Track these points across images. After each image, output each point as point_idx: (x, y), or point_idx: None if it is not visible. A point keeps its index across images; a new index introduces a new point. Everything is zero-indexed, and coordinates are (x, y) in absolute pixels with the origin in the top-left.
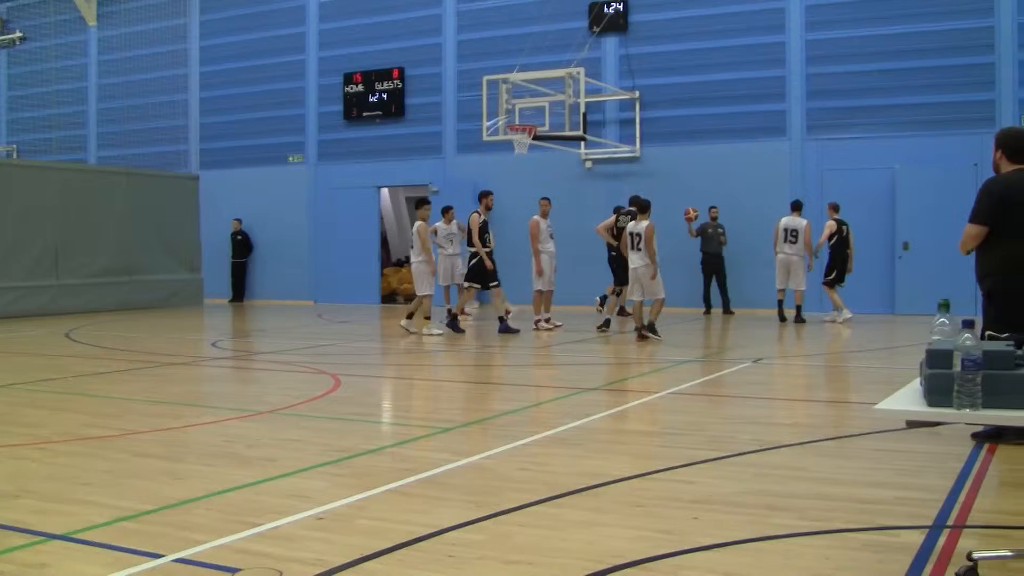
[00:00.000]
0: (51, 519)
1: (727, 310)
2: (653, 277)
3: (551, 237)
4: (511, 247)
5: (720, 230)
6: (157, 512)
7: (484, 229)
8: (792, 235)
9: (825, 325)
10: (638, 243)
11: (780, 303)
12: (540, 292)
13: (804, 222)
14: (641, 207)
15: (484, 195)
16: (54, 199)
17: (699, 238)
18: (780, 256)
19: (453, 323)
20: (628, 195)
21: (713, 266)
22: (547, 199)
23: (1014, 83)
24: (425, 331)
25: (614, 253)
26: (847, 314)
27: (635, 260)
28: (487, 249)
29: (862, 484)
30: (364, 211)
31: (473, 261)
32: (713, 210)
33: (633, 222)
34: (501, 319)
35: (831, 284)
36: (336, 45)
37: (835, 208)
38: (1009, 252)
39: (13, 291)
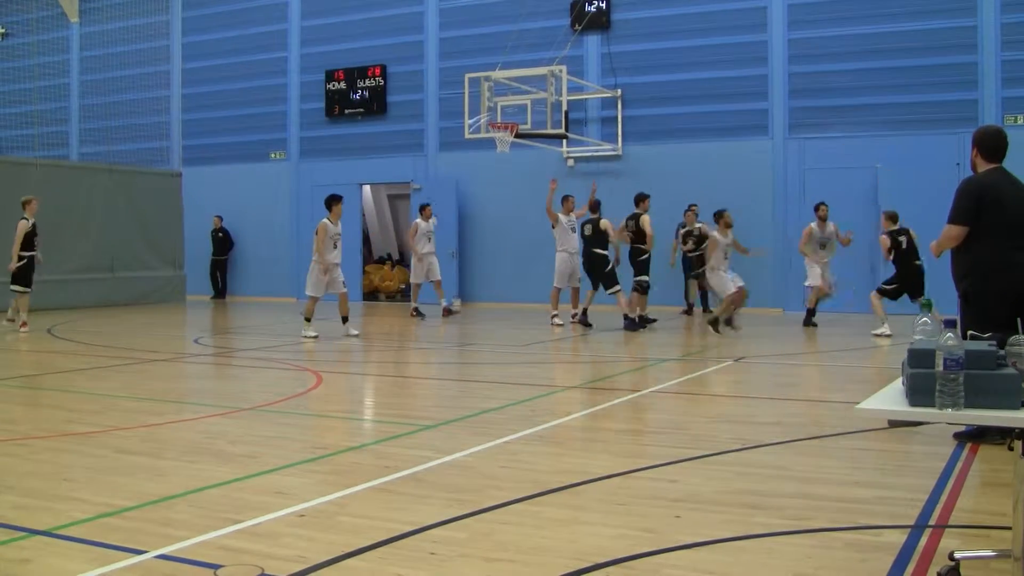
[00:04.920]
0: (33, 515)
1: (706, 309)
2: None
3: (572, 232)
4: (492, 245)
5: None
6: (139, 508)
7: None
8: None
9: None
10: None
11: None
12: (558, 289)
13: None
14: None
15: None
16: (36, 195)
17: (680, 238)
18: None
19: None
20: (610, 193)
21: (694, 266)
22: (571, 196)
23: (997, 83)
24: (303, 333)
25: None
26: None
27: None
28: None
29: (844, 483)
30: (346, 209)
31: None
32: (694, 207)
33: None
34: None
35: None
36: (318, 42)
37: (891, 218)
38: (986, 253)
39: None
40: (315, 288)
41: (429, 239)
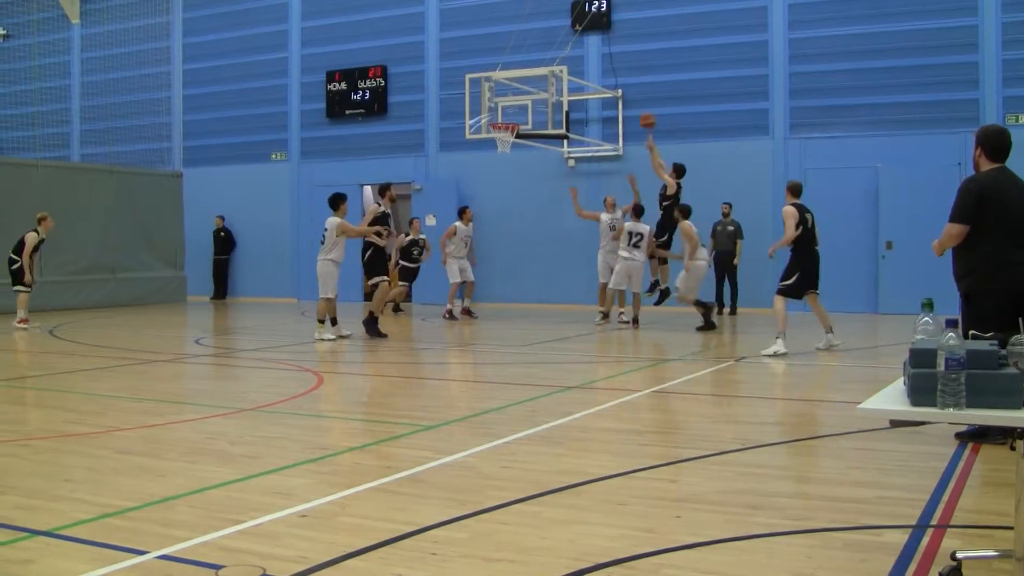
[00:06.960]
0: (35, 515)
1: (732, 310)
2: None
3: (612, 230)
4: (492, 246)
5: (731, 228)
6: (140, 509)
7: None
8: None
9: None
10: (638, 241)
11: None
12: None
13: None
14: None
15: (385, 188)
16: (38, 196)
17: (711, 237)
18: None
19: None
20: (609, 193)
21: (724, 264)
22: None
23: (998, 82)
24: (317, 335)
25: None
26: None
27: (636, 255)
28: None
29: (845, 483)
30: (347, 209)
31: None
32: (725, 206)
33: (631, 222)
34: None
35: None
36: (319, 43)
37: (794, 190)
38: (987, 251)
39: None
40: (333, 288)
41: (467, 244)
